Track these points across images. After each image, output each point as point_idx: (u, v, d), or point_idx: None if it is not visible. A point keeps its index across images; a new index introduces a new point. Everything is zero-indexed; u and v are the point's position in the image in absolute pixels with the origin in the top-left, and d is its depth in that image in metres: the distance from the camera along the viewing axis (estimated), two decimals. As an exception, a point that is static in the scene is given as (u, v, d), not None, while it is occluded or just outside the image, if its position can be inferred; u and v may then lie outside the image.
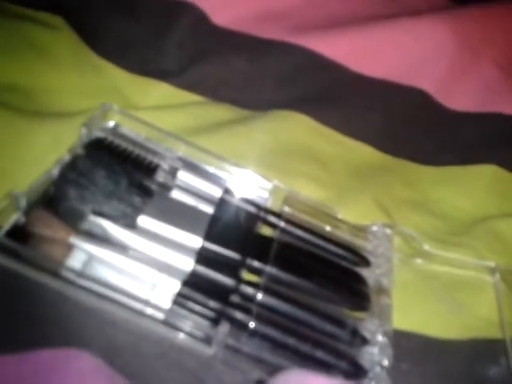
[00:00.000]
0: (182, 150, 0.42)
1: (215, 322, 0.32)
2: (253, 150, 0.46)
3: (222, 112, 0.49)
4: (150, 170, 0.39)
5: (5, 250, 0.32)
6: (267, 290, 0.34)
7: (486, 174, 0.51)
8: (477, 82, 0.55)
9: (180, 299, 0.33)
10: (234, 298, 0.33)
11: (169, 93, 0.49)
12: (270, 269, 0.36)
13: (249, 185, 0.42)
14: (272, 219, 0.39)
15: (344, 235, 0.41)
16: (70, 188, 0.34)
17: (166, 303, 0.33)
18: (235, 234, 0.38)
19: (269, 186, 0.42)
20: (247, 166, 0.42)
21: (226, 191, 0.40)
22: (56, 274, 0.32)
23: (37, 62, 0.47)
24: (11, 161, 0.39)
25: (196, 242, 0.36)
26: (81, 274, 0.32)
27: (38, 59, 0.47)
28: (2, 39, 0.46)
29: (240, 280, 0.35)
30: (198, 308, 0.32)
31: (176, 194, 0.39)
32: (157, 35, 0.51)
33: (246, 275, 0.36)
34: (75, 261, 0.33)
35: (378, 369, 0.33)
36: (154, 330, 0.32)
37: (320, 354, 0.32)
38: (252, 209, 0.40)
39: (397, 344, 0.34)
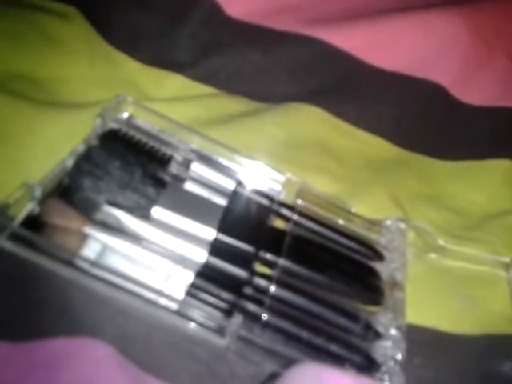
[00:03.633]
0: (195, 142, 0.42)
1: (228, 313, 0.32)
2: (266, 143, 0.46)
3: (235, 104, 0.49)
4: (164, 161, 0.39)
5: (19, 239, 0.32)
6: (280, 283, 0.34)
7: (500, 168, 0.50)
8: (491, 75, 0.55)
9: (193, 290, 0.33)
10: (247, 290, 0.33)
11: (182, 84, 0.49)
12: (283, 261, 0.35)
13: (262, 177, 0.42)
14: (285, 212, 0.39)
15: (358, 229, 0.40)
16: (84, 178, 0.35)
17: (180, 294, 0.33)
18: (248, 226, 0.37)
19: (282, 178, 0.42)
20: (260, 158, 0.42)
21: (240, 183, 0.40)
22: (70, 264, 0.32)
23: (50, 51, 0.47)
24: (25, 151, 0.39)
25: (209, 233, 0.36)
26: (95, 263, 0.33)
27: (50, 49, 0.47)
28: (15, 29, 0.47)
29: (253, 272, 0.35)
30: (211, 299, 0.33)
31: (189, 186, 0.39)
32: (170, 26, 0.50)
33: (259, 267, 0.36)
34: (89, 251, 0.33)
35: (391, 363, 0.32)
36: (167, 320, 0.32)
37: (333, 347, 0.32)
38: (265, 201, 0.39)
39: (410, 338, 0.34)
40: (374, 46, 0.52)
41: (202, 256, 0.34)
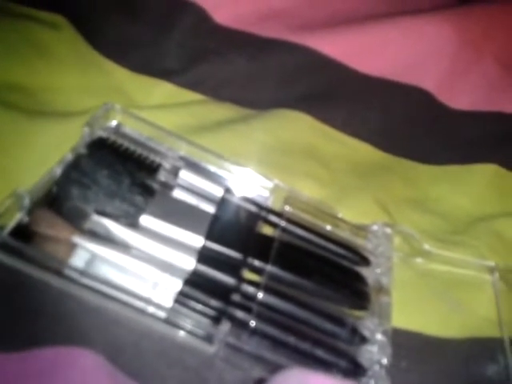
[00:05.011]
0: (183, 149, 0.42)
1: (216, 320, 0.33)
2: (254, 149, 0.47)
3: (223, 111, 0.49)
4: (152, 169, 0.40)
5: (8, 249, 0.32)
6: (268, 289, 0.35)
7: (486, 172, 0.51)
8: (478, 80, 0.55)
9: (181, 298, 0.33)
10: (235, 297, 0.34)
11: (170, 92, 0.49)
12: (270, 268, 0.36)
13: (250, 184, 0.42)
14: (273, 218, 0.40)
15: (344, 234, 0.41)
16: (73, 187, 0.35)
17: (168, 302, 0.33)
18: (236, 233, 0.38)
19: (270, 185, 0.42)
20: (248, 164, 0.43)
21: (228, 190, 0.40)
22: (59, 273, 0.33)
23: (39, 61, 0.47)
24: (14, 160, 0.39)
25: (197, 241, 0.36)
26: (83, 272, 0.33)
27: (40, 58, 0.47)
28: (4, 38, 0.47)
29: (241, 279, 0.35)
30: (199, 307, 0.33)
31: (178, 194, 0.40)
32: (159, 34, 0.51)
33: (247, 274, 0.36)
34: (78, 260, 0.33)
35: (377, 367, 0.33)
36: (156, 328, 0.33)
37: (320, 352, 0.33)
38: (253, 208, 0.40)
39: (396, 343, 0.34)
40: (360, 53, 0.53)
41: (190, 263, 0.35)
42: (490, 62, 0.55)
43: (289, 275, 0.36)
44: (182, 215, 0.37)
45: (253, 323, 0.33)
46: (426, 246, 0.42)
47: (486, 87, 0.55)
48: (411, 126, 0.53)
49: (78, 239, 0.33)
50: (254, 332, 0.33)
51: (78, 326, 0.32)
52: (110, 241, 0.34)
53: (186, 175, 0.40)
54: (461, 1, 0.61)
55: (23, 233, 0.33)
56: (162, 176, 0.40)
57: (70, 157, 0.38)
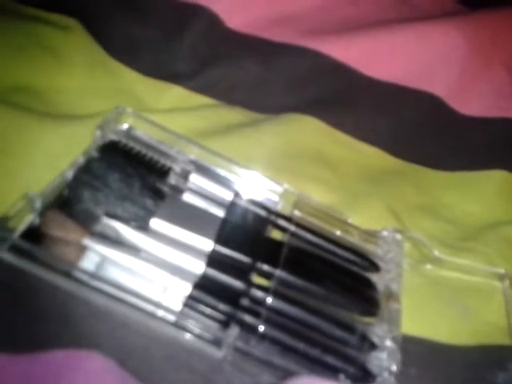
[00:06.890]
0: (194, 153, 0.42)
1: (225, 324, 0.33)
2: (264, 153, 0.47)
3: (234, 115, 0.49)
4: (163, 172, 0.40)
5: (19, 250, 0.32)
6: (277, 294, 0.35)
7: (496, 179, 0.51)
8: (487, 86, 0.55)
9: (191, 302, 0.33)
10: (244, 302, 0.34)
11: (181, 95, 0.49)
12: (279, 273, 0.36)
13: (259, 188, 0.42)
14: (282, 223, 0.40)
15: (354, 240, 0.41)
16: (84, 190, 0.35)
17: (177, 305, 0.33)
18: (246, 237, 0.38)
19: (279, 189, 0.42)
20: (258, 169, 0.43)
21: (237, 194, 0.40)
22: (69, 276, 0.33)
23: (50, 63, 0.47)
24: (25, 162, 0.40)
25: (207, 244, 0.36)
26: (93, 275, 0.33)
27: (51, 60, 0.47)
28: (16, 41, 0.47)
29: (250, 283, 0.35)
30: (208, 311, 0.33)
31: (188, 197, 0.40)
32: (170, 38, 0.51)
33: (256, 279, 0.36)
34: (88, 262, 0.33)
35: (386, 374, 0.33)
36: (165, 331, 0.33)
37: (329, 358, 0.33)
38: (262, 212, 0.40)
39: (405, 349, 0.34)
40: (371, 58, 0.53)
41: (199, 267, 0.35)
42: (499, 68, 0.56)
43: (298, 280, 0.36)
44: (192, 219, 0.37)
45: (261, 328, 0.33)
46: (436, 253, 0.42)
47: (495, 93, 0.55)
48: (421, 132, 0.53)
49: (88, 242, 0.34)
50: (262, 337, 0.32)
51: (86, 329, 0.32)
52: (120, 244, 0.34)
53: (196, 179, 0.40)
54: (466, 5, 0.61)
55: (34, 235, 0.34)
56: (173, 179, 0.40)
57: (81, 160, 0.38)
